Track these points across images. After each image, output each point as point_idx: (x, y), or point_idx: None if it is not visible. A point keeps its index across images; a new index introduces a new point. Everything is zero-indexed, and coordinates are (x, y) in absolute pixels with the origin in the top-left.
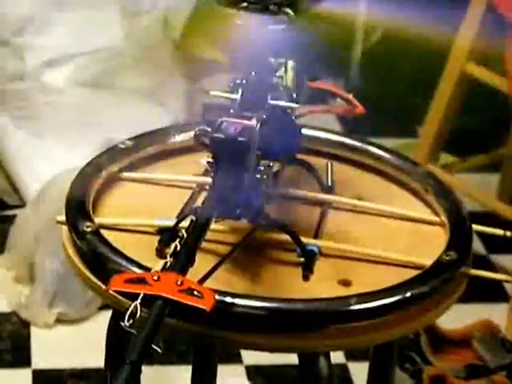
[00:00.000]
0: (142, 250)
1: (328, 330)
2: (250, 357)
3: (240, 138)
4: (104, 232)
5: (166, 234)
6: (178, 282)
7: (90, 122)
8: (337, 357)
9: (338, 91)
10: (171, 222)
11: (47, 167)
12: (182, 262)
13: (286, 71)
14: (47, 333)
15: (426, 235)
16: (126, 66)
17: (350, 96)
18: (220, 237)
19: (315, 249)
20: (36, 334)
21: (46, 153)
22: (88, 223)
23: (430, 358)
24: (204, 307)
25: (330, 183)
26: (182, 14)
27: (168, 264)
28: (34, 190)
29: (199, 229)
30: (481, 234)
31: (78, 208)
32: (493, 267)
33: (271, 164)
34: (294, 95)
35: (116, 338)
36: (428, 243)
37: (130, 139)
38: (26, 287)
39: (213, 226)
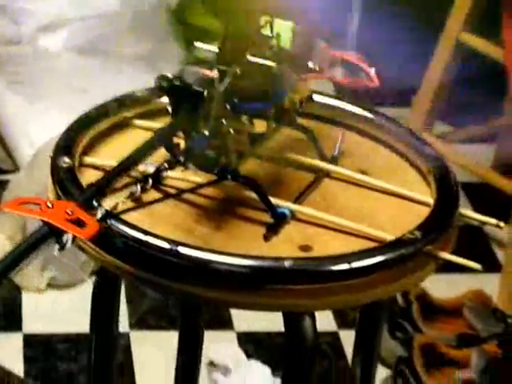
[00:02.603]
0: (115, 191)
1: (262, 289)
2: (242, 324)
3: (195, 87)
4: (86, 171)
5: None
6: (69, 211)
7: (85, 88)
8: (328, 324)
9: (361, 63)
10: (151, 168)
11: (41, 132)
12: (85, 195)
13: (272, 29)
14: (38, 297)
15: (412, 215)
16: (121, 31)
17: (372, 71)
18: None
19: (287, 212)
20: (27, 298)
21: (41, 118)
22: (66, 159)
23: (421, 326)
24: (80, 235)
25: (336, 153)
26: None
27: None
28: (27, 155)
29: (118, 168)
30: (475, 205)
31: (63, 144)
32: (486, 239)
33: (245, 120)
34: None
35: (101, 302)
36: (409, 223)
37: (147, 89)
38: None
39: (194, 177)
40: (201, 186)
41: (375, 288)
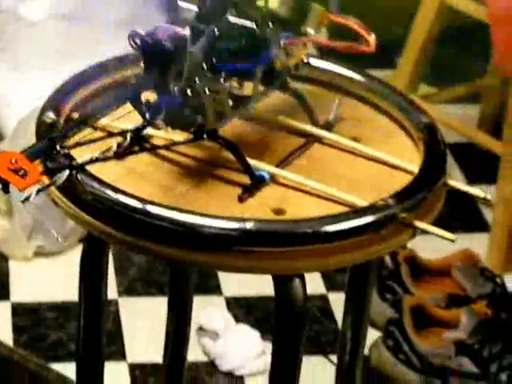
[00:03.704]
0: (97, 146)
1: (227, 250)
2: (231, 289)
3: (165, 43)
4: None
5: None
6: (13, 161)
7: (67, 55)
8: (317, 288)
9: (360, 29)
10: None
11: (25, 100)
12: (34, 148)
13: None
14: (26, 266)
15: (396, 183)
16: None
17: (372, 36)
18: (182, 149)
19: (265, 174)
20: (15, 267)
21: (24, 86)
22: (50, 114)
23: (410, 287)
24: (16, 184)
25: (331, 119)
26: None
27: None
28: (11, 123)
29: (73, 124)
30: (463, 165)
31: (51, 101)
32: (474, 199)
33: (224, 81)
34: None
35: (89, 268)
36: (391, 191)
37: None
38: (4, 221)
39: (178, 137)
40: (175, 143)
41: (343, 253)
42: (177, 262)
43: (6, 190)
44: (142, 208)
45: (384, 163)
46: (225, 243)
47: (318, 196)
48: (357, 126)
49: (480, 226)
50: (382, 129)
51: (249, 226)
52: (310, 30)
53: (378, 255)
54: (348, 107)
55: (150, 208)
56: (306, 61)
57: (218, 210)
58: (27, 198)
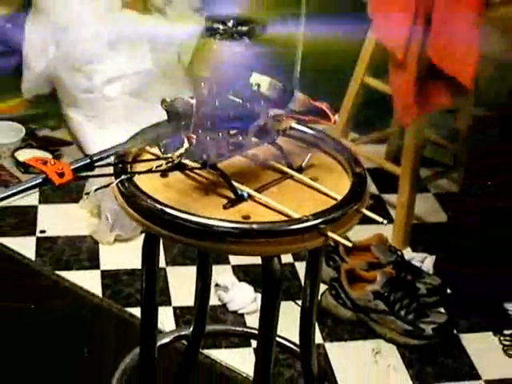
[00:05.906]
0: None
1: (223, 241)
2: (235, 260)
3: (178, 108)
4: (145, 155)
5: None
6: (60, 168)
7: (134, 119)
8: (289, 259)
9: (328, 110)
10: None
11: None
12: (77, 164)
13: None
14: (109, 247)
15: (327, 207)
16: (155, 81)
17: (336, 116)
18: (200, 172)
19: (245, 194)
20: (102, 248)
21: (108, 139)
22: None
23: (345, 258)
24: (54, 180)
25: (303, 164)
26: (190, 47)
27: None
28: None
29: (107, 152)
30: (375, 181)
31: (133, 136)
32: (383, 203)
33: (222, 134)
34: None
35: (148, 249)
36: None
37: None
38: (96, 220)
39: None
40: (190, 168)
41: (277, 246)
42: (199, 249)
43: (45, 184)
44: (174, 214)
45: (327, 195)
46: (226, 236)
47: (275, 210)
48: (319, 170)
49: (388, 218)
50: (335, 173)
51: (219, 223)
52: (294, 108)
53: (303, 250)
54: (317, 157)
55: (180, 214)
56: (293, 126)
57: (210, 212)
58: (88, 193)
